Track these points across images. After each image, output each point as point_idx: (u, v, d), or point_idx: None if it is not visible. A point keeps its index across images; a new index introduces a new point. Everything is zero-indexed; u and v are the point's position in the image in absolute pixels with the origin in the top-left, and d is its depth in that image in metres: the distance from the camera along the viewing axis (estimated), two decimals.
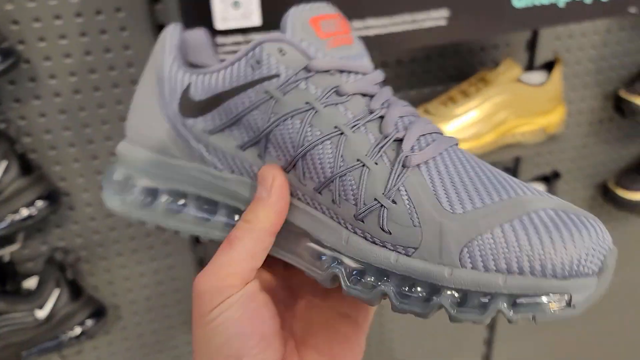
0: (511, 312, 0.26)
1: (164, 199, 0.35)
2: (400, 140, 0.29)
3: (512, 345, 1.27)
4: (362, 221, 0.29)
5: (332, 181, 0.29)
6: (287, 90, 0.30)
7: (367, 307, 0.35)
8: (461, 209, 0.27)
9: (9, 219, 0.64)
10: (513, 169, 0.95)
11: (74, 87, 0.67)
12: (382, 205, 0.28)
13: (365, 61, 0.33)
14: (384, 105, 0.31)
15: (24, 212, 0.65)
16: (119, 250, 0.79)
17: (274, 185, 0.30)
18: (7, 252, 0.68)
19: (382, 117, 0.30)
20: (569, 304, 0.26)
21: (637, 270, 1.25)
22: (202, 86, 0.33)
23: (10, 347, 0.68)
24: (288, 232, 0.32)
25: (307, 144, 0.30)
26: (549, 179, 0.91)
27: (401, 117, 0.31)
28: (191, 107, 0.33)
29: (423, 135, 0.30)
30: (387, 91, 0.32)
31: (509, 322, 0.27)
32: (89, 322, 0.74)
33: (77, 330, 0.73)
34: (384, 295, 0.28)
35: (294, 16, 0.31)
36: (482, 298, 0.26)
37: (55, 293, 0.69)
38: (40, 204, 0.66)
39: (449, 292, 0.27)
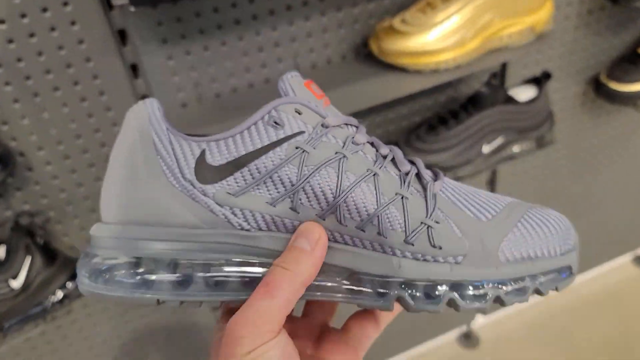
0: (543, 287, 0.34)
1: (165, 272, 0.33)
2: (417, 174, 0.36)
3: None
4: (412, 244, 0.33)
5: (377, 216, 0.33)
6: (316, 144, 0.33)
7: (356, 355, 0.38)
8: (485, 218, 0.35)
9: None
10: (500, 74, 0.89)
11: (6, 36, 0.59)
12: (428, 226, 0.33)
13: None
14: (389, 150, 0.36)
15: None
16: (91, 206, 0.74)
17: (320, 242, 0.32)
18: None
19: (392, 159, 0.36)
20: (571, 272, 0.36)
21: (631, 162, 1.23)
22: (219, 152, 0.33)
23: None
24: (323, 274, 0.34)
25: (346, 189, 0.33)
26: (540, 81, 0.86)
27: (403, 157, 0.36)
28: (211, 173, 0.33)
29: (425, 169, 0.36)
30: (377, 139, 0.37)
31: (540, 295, 0.34)
32: (71, 284, 0.71)
33: (60, 294, 0.70)
34: (451, 302, 0.33)
35: (290, 81, 0.35)
36: (519, 283, 0.34)
37: (27, 261, 0.65)
38: None
39: (490, 285, 0.33)
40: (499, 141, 0.82)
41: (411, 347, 1.32)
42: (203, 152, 0.33)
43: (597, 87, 0.98)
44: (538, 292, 0.34)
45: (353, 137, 0.35)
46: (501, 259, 0.34)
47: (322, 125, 0.34)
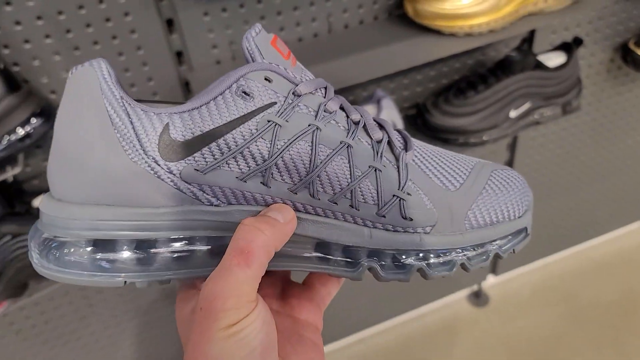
0: (503, 250, 0.36)
1: (126, 251, 0.31)
2: (388, 142, 0.35)
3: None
4: (384, 216, 0.33)
5: (350, 190, 0.33)
6: (288, 116, 0.31)
7: (319, 311, 0.38)
8: (453, 186, 0.35)
9: (6, 140, 0.60)
10: (529, 40, 0.89)
11: None
12: (400, 199, 0.33)
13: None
14: (360, 114, 0.34)
15: (20, 131, 0.60)
16: None
17: (292, 220, 0.32)
18: (9, 175, 0.65)
19: (364, 126, 0.34)
20: (527, 233, 0.37)
21: None
22: (184, 125, 0.31)
23: (29, 267, 0.68)
24: (293, 244, 0.33)
25: (320, 163, 0.32)
26: (570, 47, 0.85)
27: (373, 120, 0.35)
28: (176, 149, 0.31)
29: (395, 134, 0.35)
30: (345, 101, 0.35)
31: (500, 259, 0.36)
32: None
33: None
34: (420, 270, 0.34)
35: (257, 41, 0.32)
36: (481, 248, 0.35)
37: None
38: (35, 121, 0.62)
39: (455, 253, 0.34)
40: (526, 106, 0.82)
41: (422, 304, 1.36)
42: (167, 126, 0.30)
43: (625, 54, 0.98)
44: (498, 256, 0.35)
45: (325, 105, 0.33)
46: (467, 226, 0.34)
47: (294, 93, 0.32)
